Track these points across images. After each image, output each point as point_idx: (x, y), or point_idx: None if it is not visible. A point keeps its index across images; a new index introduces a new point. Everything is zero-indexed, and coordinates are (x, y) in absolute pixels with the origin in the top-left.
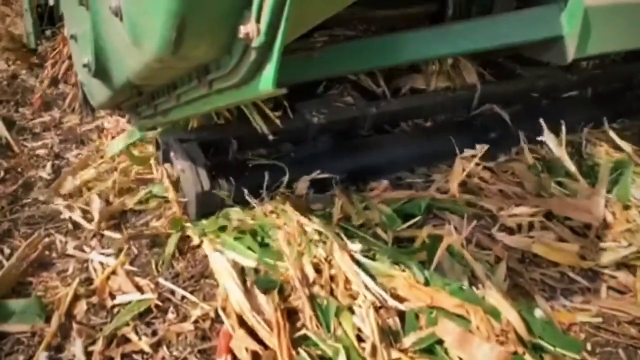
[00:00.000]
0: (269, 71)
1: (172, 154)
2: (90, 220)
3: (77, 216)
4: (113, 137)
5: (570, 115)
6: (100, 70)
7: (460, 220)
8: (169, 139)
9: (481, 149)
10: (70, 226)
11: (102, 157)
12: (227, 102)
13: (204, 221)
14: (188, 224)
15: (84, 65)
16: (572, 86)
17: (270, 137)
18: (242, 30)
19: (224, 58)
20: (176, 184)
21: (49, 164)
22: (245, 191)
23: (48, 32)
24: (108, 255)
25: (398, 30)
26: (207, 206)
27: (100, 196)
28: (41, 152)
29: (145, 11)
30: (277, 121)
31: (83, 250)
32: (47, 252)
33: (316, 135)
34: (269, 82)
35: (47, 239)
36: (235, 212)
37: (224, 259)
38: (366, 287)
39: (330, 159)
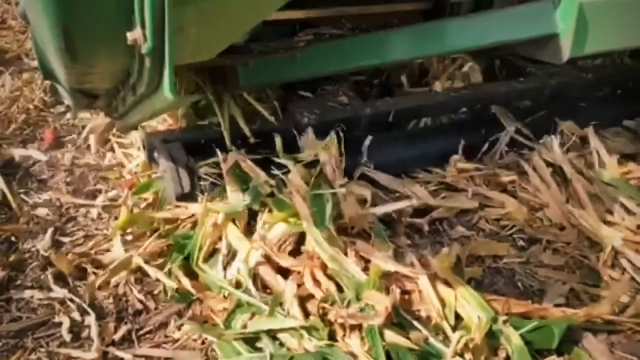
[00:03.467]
0: (166, 79)
1: (155, 154)
2: (91, 331)
3: (75, 320)
4: (130, 188)
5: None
6: (48, 74)
7: (597, 341)
8: (153, 140)
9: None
10: (65, 335)
11: (112, 224)
12: (159, 108)
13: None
14: (213, 336)
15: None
16: (586, 85)
17: (252, 140)
18: (130, 36)
19: (132, 63)
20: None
21: (49, 232)
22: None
23: None
24: None
25: (387, 28)
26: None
27: (105, 287)
28: (43, 212)
29: (36, 19)
30: (272, 118)
31: None
32: None
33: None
34: (167, 89)
35: (33, 356)
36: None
37: None
38: None
39: None
